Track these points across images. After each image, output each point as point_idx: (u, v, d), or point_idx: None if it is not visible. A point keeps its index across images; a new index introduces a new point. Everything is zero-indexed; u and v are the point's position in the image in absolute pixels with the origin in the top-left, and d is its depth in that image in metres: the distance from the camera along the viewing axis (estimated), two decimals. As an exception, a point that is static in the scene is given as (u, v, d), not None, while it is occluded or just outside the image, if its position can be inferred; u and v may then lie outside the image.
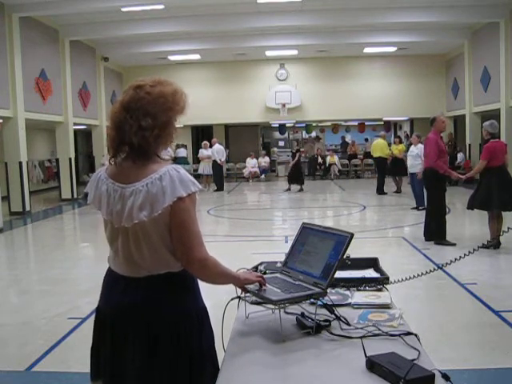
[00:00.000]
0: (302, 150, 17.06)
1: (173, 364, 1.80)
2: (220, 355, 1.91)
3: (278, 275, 2.19)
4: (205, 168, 16.98)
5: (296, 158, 15.85)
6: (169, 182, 1.76)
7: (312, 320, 1.92)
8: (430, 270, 2.82)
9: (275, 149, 24.92)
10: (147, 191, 1.76)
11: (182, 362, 1.81)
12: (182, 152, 19.92)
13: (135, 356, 1.80)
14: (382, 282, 2.38)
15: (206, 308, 1.94)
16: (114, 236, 1.86)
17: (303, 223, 2.29)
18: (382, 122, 22.96)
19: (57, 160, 15.68)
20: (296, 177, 15.93)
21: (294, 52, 18.29)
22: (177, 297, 1.83)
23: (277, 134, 26.14)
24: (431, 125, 7.42)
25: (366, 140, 23.86)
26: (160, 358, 1.80)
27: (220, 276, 1.89)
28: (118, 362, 1.84)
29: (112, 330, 1.86)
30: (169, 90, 1.83)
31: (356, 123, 24.57)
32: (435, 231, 7.42)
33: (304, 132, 25.86)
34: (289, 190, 16.00)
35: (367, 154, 20.88)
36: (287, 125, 24.26)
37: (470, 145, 16.50)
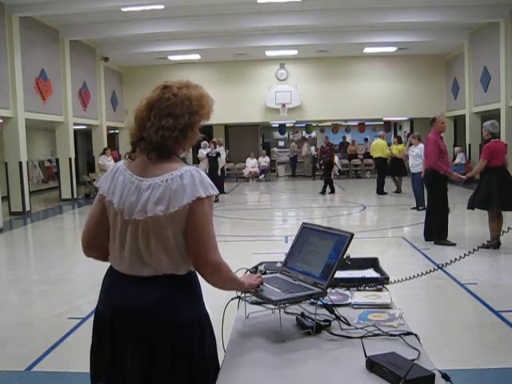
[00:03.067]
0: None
1: (173, 369, 1.77)
2: (220, 355, 1.91)
3: (277, 275, 2.19)
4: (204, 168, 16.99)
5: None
6: (190, 181, 1.75)
7: (312, 320, 1.92)
8: (430, 270, 2.82)
9: (275, 149, 24.95)
10: (166, 186, 1.75)
11: (182, 368, 1.78)
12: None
13: (135, 359, 1.78)
14: (382, 282, 2.38)
15: (207, 314, 1.92)
16: (123, 229, 1.82)
17: (303, 223, 2.29)
18: (382, 122, 22.96)
19: (57, 160, 15.69)
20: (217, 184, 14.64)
21: (294, 52, 18.29)
22: (180, 301, 1.81)
23: (277, 134, 26.15)
24: (431, 125, 7.41)
25: (366, 140, 23.85)
26: (160, 363, 1.77)
27: (230, 281, 1.88)
28: (119, 364, 1.82)
29: (112, 332, 1.83)
30: (195, 93, 1.84)
31: (356, 123, 24.58)
32: (436, 231, 7.41)
33: (304, 132, 25.89)
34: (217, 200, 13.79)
35: (366, 154, 20.93)
36: (287, 125, 24.27)
37: (469, 145, 16.50)
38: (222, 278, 1.83)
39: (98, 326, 1.91)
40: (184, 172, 1.77)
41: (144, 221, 1.77)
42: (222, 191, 14.77)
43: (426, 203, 10.59)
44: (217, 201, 13.90)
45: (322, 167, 20.87)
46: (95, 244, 1.93)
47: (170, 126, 1.78)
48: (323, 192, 14.86)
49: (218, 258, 1.78)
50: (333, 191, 14.99)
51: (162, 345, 1.77)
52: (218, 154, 14.61)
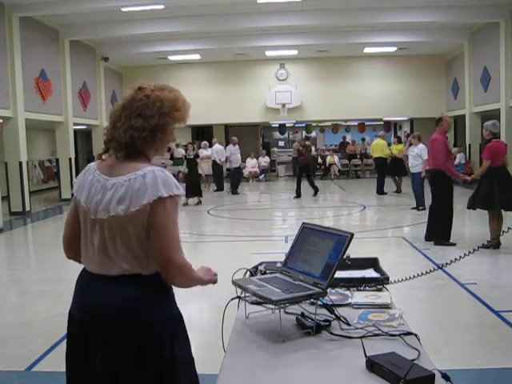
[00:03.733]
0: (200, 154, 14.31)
1: (140, 370, 1.75)
2: (220, 355, 1.91)
3: (277, 275, 2.19)
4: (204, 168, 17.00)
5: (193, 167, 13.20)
6: (152, 180, 1.75)
7: (312, 320, 1.92)
8: (430, 270, 2.82)
9: (275, 149, 24.95)
10: (129, 186, 1.76)
11: (150, 369, 1.76)
12: (179, 153, 19.92)
13: (104, 359, 1.77)
14: (382, 282, 2.38)
15: (181, 315, 1.89)
16: (91, 229, 1.84)
17: (303, 223, 2.29)
18: (382, 122, 22.96)
19: (57, 160, 15.69)
20: (192, 188, 12.86)
21: (294, 52, 18.29)
22: (149, 301, 1.79)
23: (277, 134, 26.15)
24: (437, 125, 7.36)
25: (363, 140, 23.84)
26: (127, 364, 1.75)
27: (192, 280, 1.85)
28: (89, 364, 1.81)
29: (84, 332, 1.82)
30: (169, 96, 1.85)
31: (356, 123, 24.58)
32: (438, 232, 7.36)
33: (304, 132, 25.90)
34: (186, 204, 12.81)
35: (364, 154, 20.98)
36: (287, 125, 24.27)
37: (469, 145, 16.50)
38: (186, 278, 1.81)
39: (71, 326, 1.90)
40: (147, 172, 1.77)
41: (107, 220, 1.78)
42: (200, 194, 13.30)
43: (425, 203, 10.65)
44: (199, 203, 13.17)
45: (322, 167, 21.05)
46: (74, 245, 1.94)
47: (138, 126, 1.79)
48: (315, 193, 14.34)
49: (181, 257, 1.76)
50: (298, 195, 14.08)
51: (131, 345, 1.75)
52: (197, 156, 13.69)
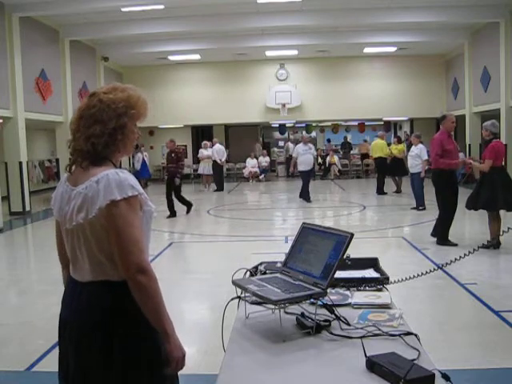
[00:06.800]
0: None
1: (107, 372, 1.77)
2: (220, 355, 1.91)
3: (278, 275, 2.19)
4: (205, 168, 17.01)
5: None
6: (104, 185, 1.75)
7: (312, 320, 1.92)
8: (430, 270, 2.82)
9: (275, 149, 24.94)
10: (86, 194, 1.78)
11: (116, 371, 1.77)
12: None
13: (74, 359, 1.81)
14: (382, 282, 2.38)
15: (147, 321, 1.78)
16: (66, 238, 1.89)
17: (303, 223, 2.30)
18: (382, 122, 22.95)
19: (57, 160, 15.69)
20: None
21: (294, 52, 18.29)
22: (115, 307, 1.78)
23: (277, 134, 26.15)
24: (440, 123, 7.37)
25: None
26: (95, 366, 1.77)
27: (156, 298, 1.75)
28: (66, 366, 1.87)
29: (63, 336, 1.89)
30: (122, 96, 1.85)
31: (356, 123, 24.58)
32: (440, 232, 7.35)
33: (304, 132, 25.90)
34: None
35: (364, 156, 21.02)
36: (287, 125, 24.27)
37: (469, 145, 16.49)
38: (147, 286, 1.72)
39: (59, 328, 1.94)
40: (101, 177, 1.77)
41: (75, 229, 1.81)
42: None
43: (425, 203, 10.66)
44: None
45: (322, 167, 21.01)
46: (64, 255, 1.98)
47: (97, 133, 1.80)
48: (189, 209, 11.66)
49: (142, 260, 1.73)
50: (173, 215, 11.23)
51: (98, 345, 1.77)
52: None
